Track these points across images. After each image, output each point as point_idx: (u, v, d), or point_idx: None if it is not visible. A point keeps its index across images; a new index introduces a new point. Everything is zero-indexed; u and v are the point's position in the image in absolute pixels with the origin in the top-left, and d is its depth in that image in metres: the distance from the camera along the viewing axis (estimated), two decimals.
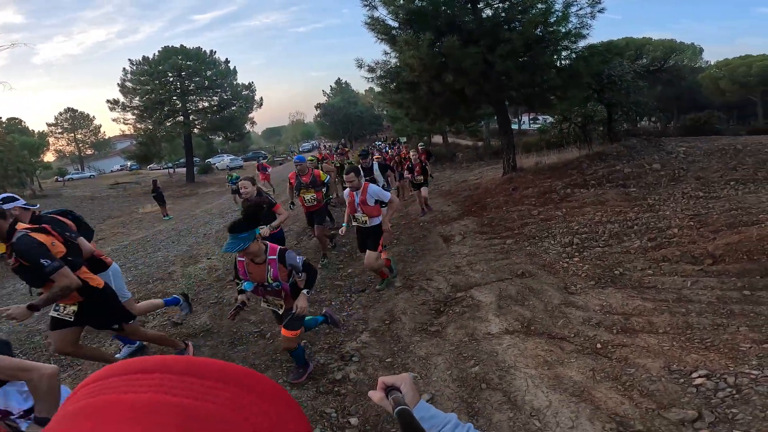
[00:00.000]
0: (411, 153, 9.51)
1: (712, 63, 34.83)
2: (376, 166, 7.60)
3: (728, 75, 31.29)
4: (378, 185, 5.79)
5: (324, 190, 6.33)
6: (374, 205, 4.83)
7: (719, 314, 3.40)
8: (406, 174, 9.21)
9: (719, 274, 4.08)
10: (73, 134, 51.54)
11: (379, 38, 9.72)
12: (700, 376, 2.63)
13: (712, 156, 8.84)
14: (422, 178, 8.73)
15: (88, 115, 52.26)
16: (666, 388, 2.59)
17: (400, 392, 0.84)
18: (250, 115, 30.06)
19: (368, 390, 3.10)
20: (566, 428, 2.40)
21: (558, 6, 8.62)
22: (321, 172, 6.34)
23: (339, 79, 58.09)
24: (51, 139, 49.47)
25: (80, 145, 52.51)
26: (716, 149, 9.23)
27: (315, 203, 6.14)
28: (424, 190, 8.92)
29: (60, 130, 50.86)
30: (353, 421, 2.81)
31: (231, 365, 0.34)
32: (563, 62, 9.49)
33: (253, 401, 0.32)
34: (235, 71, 28.59)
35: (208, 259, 7.58)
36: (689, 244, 4.86)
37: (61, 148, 51.97)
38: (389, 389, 0.86)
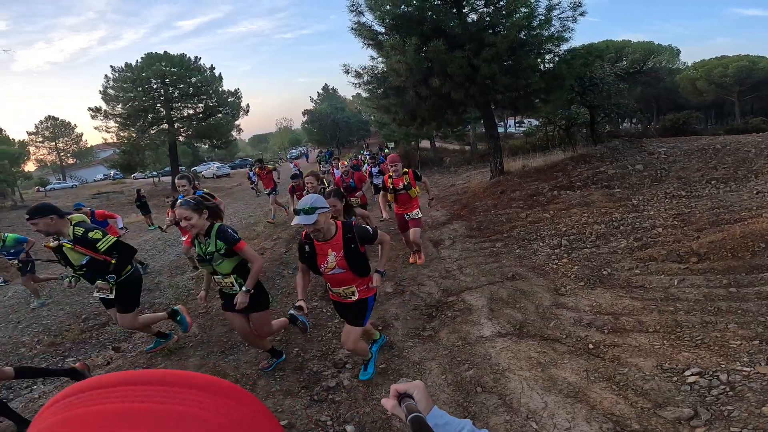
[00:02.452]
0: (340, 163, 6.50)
1: (689, 64, 35.73)
2: None
3: (705, 75, 32.14)
4: None
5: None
6: None
7: (707, 312, 3.45)
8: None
9: (705, 272, 4.15)
10: (54, 143, 50.50)
11: (365, 44, 9.75)
12: (692, 374, 2.66)
13: (693, 156, 9.05)
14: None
15: (69, 123, 51.33)
16: (660, 386, 2.61)
17: (413, 399, 0.83)
18: (237, 122, 29.78)
19: (363, 397, 3.08)
20: (563, 429, 2.40)
21: (541, 10, 8.77)
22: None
23: (326, 85, 58.24)
24: (32, 148, 48.40)
25: (61, 154, 51.47)
26: (696, 149, 9.44)
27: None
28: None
29: (41, 139, 49.79)
30: (349, 428, 2.77)
31: (192, 373, 0.37)
32: (546, 65, 9.64)
33: (220, 401, 0.35)
34: (220, 78, 28.34)
35: (194, 268, 7.45)
36: (674, 243, 4.94)
37: (42, 157, 50.86)
38: (402, 397, 0.84)
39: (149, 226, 14.34)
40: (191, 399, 0.33)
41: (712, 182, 7.32)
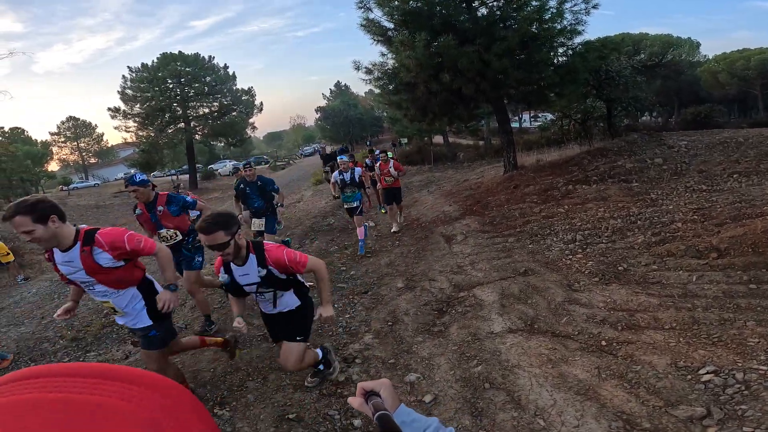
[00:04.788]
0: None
1: (710, 57, 34.76)
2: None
3: (727, 68, 31.27)
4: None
5: None
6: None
7: (726, 309, 3.35)
8: None
9: (724, 268, 4.03)
10: (76, 143, 51.82)
11: (375, 40, 9.73)
12: (708, 373, 2.59)
13: (714, 149, 8.79)
14: None
15: (90, 124, 52.62)
16: (673, 385, 2.55)
17: (380, 397, 0.83)
18: (251, 120, 30.12)
19: None
20: (571, 427, 2.36)
21: (552, 3, 8.61)
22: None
23: (338, 81, 58.61)
24: (54, 148, 49.77)
25: (83, 153, 52.81)
26: (718, 142, 9.18)
27: None
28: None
29: (63, 139, 51.15)
30: (356, 422, 2.78)
31: (118, 366, 0.36)
32: (560, 59, 9.47)
33: (143, 392, 0.34)
34: (234, 76, 28.67)
35: (211, 264, 7.57)
36: (693, 238, 4.81)
37: (64, 157, 52.27)
38: (368, 395, 0.85)
39: None
40: (111, 390, 0.33)
41: (734, 176, 7.10)
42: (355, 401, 0.87)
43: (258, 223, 5.89)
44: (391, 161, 7.75)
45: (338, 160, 6.82)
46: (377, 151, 10.62)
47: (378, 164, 7.88)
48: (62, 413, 0.30)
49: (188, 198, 4.31)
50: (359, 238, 6.75)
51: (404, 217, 8.68)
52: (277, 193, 6.04)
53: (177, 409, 0.35)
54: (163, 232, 4.15)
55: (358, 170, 6.71)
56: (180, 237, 4.23)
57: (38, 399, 0.31)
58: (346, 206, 6.91)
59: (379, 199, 9.59)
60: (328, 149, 28.07)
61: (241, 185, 5.86)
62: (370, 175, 8.39)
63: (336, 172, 6.72)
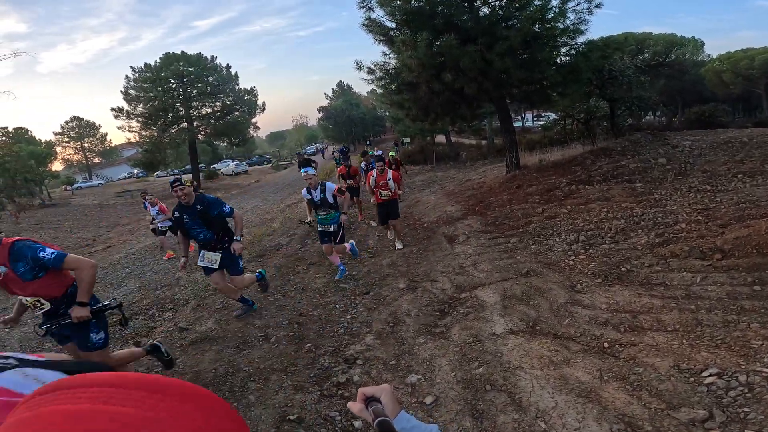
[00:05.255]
0: None
1: (714, 56, 34.64)
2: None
3: (731, 68, 31.15)
4: None
5: None
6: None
7: (729, 310, 3.33)
8: None
9: (728, 269, 4.01)
10: (80, 143, 52.07)
11: (377, 40, 9.73)
12: (710, 375, 2.57)
13: (719, 149, 8.74)
14: None
15: (94, 124, 52.84)
16: (675, 387, 2.54)
17: (380, 403, 0.83)
18: (254, 120, 30.13)
19: None
20: (572, 429, 2.35)
21: (555, 2, 8.59)
22: None
23: (341, 81, 58.51)
24: (58, 148, 50.00)
25: (87, 153, 53.05)
26: (722, 142, 9.12)
27: None
28: None
29: (67, 139, 51.41)
30: (357, 424, 2.78)
31: (165, 379, 0.37)
32: (562, 58, 9.44)
33: (190, 411, 0.35)
34: (236, 76, 28.69)
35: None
36: (697, 238, 4.78)
37: (68, 156, 52.54)
38: (369, 400, 0.84)
39: None
40: (160, 406, 0.34)
41: (739, 176, 7.05)
42: (355, 406, 0.86)
43: (211, 259, 4.36)
44: (389, 172, 6.56)
45: (303, 174, 5.15)
46: (379, 152, 10.14)
47: (373, 171, 6.53)
48: (113, 427, 0.31)
49: (45, 252, 2.59)
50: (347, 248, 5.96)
51: (405, 217, 8.46)
52: (231, 217, 4.36)
53: (220, 426, 0.36)
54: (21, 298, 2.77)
55: (330, 186, 5.24)
56: (48, 306, 2.78)
57: (92, 410, 0.32)
58: (320, 229, 5.44)
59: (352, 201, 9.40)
60: (330, 149, 28.08)
61: (176, 212, 4.26)
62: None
63: (304, 190, 5.31)
